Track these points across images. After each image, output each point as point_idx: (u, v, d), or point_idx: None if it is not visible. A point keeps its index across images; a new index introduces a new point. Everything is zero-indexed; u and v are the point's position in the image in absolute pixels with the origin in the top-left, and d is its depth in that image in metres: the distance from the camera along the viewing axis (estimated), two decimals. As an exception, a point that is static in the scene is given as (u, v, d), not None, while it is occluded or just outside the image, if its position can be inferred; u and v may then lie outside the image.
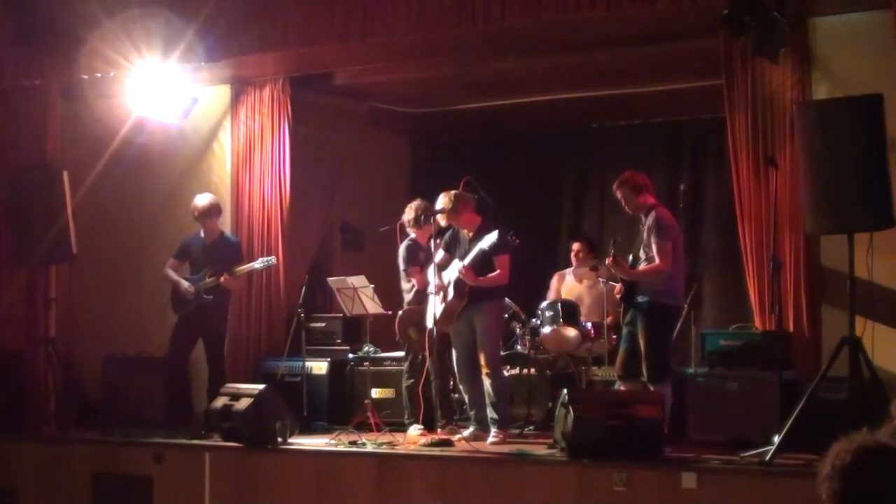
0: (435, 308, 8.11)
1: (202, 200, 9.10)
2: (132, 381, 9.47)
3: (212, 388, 8.78)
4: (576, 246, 9.64)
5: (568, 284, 9.66)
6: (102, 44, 9.09)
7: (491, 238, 7.75)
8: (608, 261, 7.56)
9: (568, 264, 9.86)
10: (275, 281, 9.48)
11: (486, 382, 7.98)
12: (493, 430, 7.91)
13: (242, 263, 9.02)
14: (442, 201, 8.10)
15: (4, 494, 8.56)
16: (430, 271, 8.21)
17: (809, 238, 7.50)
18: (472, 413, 8.23)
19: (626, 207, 7.54)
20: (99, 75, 9.29)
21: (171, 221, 9.77)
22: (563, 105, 10.53)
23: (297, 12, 8.56)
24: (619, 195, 7.50)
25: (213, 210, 9.09)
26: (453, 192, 8.12)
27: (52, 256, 9.38)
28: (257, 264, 8.90)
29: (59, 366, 9.43)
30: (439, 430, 8.16)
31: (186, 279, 9.05)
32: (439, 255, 8.18)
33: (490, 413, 7.99)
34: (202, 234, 9.13)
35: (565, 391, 7.36)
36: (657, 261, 7.28)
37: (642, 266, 7.40)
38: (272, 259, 9.02)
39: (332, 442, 7.85)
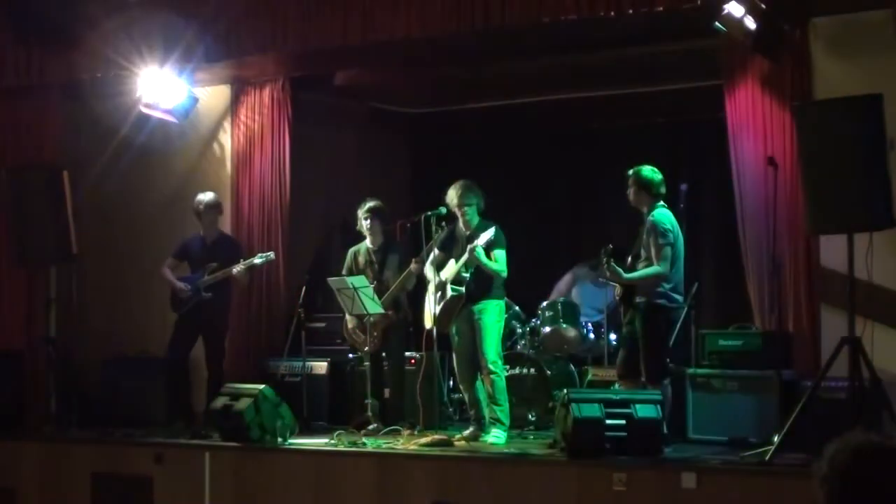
0: (433, 308, 8.11)
1: (207, 196, 9.12)
2: (132, 381, 9.48)
3: (211, 388, 8.79)
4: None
5: (581, 283, 9.69)
6: (103, 44, 9.10)
7: (489, 234, 7.79)
8: (599, 272, 7.61)
9: (573, 263, 9.91)
10: (275, 281, 9.48)
11: (488, 382, 7.97)
12: (494, 430, 7.91)
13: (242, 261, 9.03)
14: (449, 193, 8.12)
15: (3, 494, 8.55)
16: (427, 269, 8.22)
17: (809, 238, 7.49)
18: (471, 413, 8.23)
19: (630, 199, 7.55)
20: (99, 75, 9.29)
21: (172, 221, 9.77)
22: (564, 105, 10.53)
23: (297, 12, 8.56)
24: (628, 182, 7.51)
25: (217, 207, 9.12)
26: (461, 182, 8.13)
27: (52, 256, 9.38)
28: (256, 259, 8.89)
29: (59, 366, 9.43)
30: (408, 431, 8.16)
31: (183, 278, 9.04)
32: (433, 254, 8.19)
33: (491, 413, 7.99)
34: (202, 234, 9.14)
35: (565, 391, 7.37)
36: (655, 263, 7.29)
37: (641, 266, 7.40)
38: (271, 254, 9.01)
39: (332, 442, 7.85)
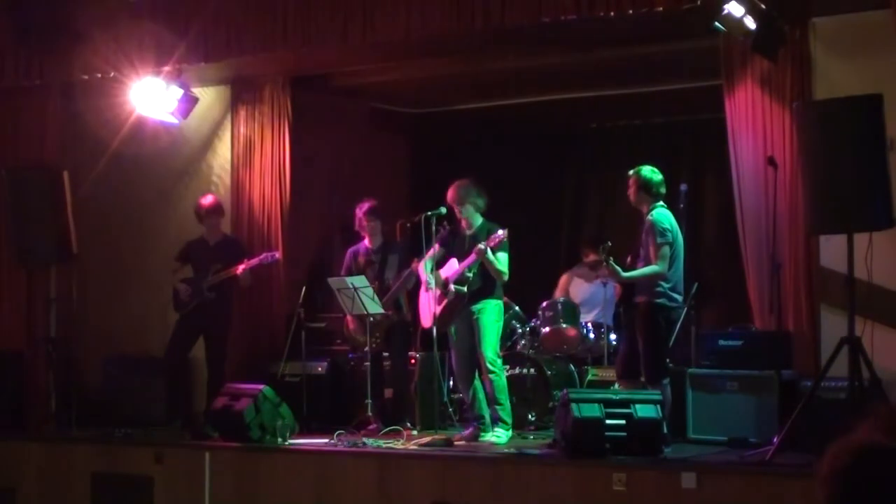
0: (432, 307, 8.11)
1: (207, 200, 9.13)
2: (132, 381, 9.48)
3: (211, 388, 8.79)
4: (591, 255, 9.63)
5: (577, 283, 9.70)
6: (103, 44, 9.10)
7: (501, 235, 7.84)
8: (600, 273, 7.63)
9: (573, 263, 9.92)
10: (275, 281, 9.48)
11: (487, 381, 7.97)
12: (496, 429, 7.91)
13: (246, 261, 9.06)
14: (448, 192, 8.13)
15: (3, 494, 8.55)
16: (423, 268, 8.21)
17: (809, 238, 7.50)
18: (471, 413, 8.23)
19: (630, 198, 7.56)
20: (99, 75, 9.29)
21: (172, 221, 9.77)
22: (563, 105, 10.53)
23: (297, 12, 8.56)
24: (629, 182, 7.53)
25: (219, 210, 9.13)
26: (458, 182, 8.14)
27: (52, 256, 9.38)
28: (262, 260, 8.90)
29: (59, 366, 9.43)
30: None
31: (187, 280, 9.04)
32: (433, 251, 8.19)
33: (493, 412, 7.99)
34: (205, 237, 9.13)
35: (565, 391, 7.37)
36: (653, 262, 7.30)
37: (640, 266, 7.41)
38: (276, 254, 9.01)
39: (332, 442, 7.85)
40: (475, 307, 8.02)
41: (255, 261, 8.85)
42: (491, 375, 7.95)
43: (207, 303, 8.91)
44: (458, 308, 8.04)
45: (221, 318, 9.06)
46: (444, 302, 8.08)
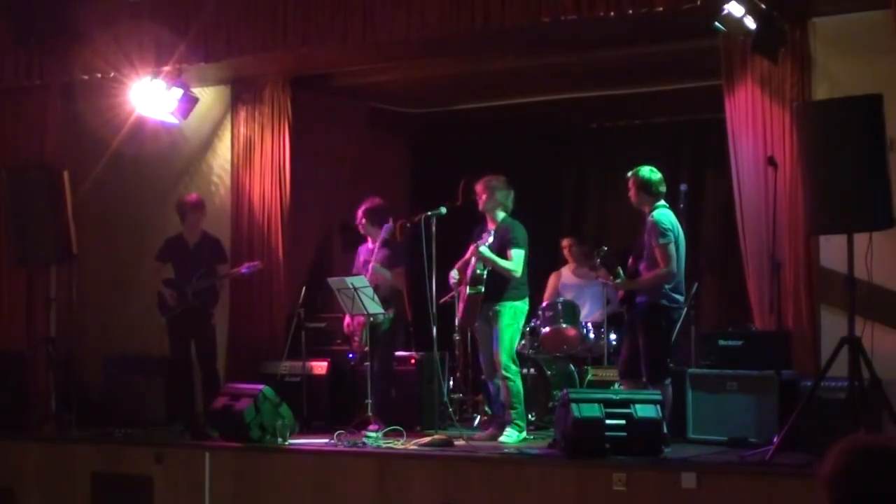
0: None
1: (191, 197, 9.19)
2: (132, 381, 9.48)
3: (206, 389, 8.84)
4: (565, 242, 9.78)
5: (565, 280, 9.71)
6: (103, 44, 9.10)
7: (511, 230, 7.86)
8: (600, 273, 7.65)
9: (563, 263, 9.93)
10: (275, 281, 9.48)
11: (504, 386, 7.99)
12: (508, 430, 7.93)
13: (226, 260, 9.13)
14: (477, 185, 8.18)
15: (3, 494, 8.56)
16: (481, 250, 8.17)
17: (809, 238, 7.50)
18: (486, 408, 8.26)
19: (631, 199, 7.56)
20: (99, 75, 9.29)
21: (171, 221, 9.74)
22: (563, 105, 10.53)
23: (297, 12, 8.56)
24: (629, 183, 7.53)
25: (202, 207, 9.14)
26: (490, 176, 8.15)
27: (52, 256, 9.38)
28: (243, 269, 8.94)
29: (59, 366, 9.43)
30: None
31: (170, 282, 9.04)
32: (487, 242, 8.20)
33: (506, 415, 8.02)
34: (184, 236, 9.13)
35: (565, 391, 7.37)
36: (659, 263, 7.29)
37: (642, 267, 7.42)
38: (257, 263, 9.01)
39: (332, 442, 7.85)
40: (494, 306, 8.02)
41: (235, 272, 8.95)
42: (506, 381, 7.95)
43: (191, 308, 8.94)
44: (477, 306, 8.03)
45: (205, 318, 9.08)
46: (463, 303, 8.10)
